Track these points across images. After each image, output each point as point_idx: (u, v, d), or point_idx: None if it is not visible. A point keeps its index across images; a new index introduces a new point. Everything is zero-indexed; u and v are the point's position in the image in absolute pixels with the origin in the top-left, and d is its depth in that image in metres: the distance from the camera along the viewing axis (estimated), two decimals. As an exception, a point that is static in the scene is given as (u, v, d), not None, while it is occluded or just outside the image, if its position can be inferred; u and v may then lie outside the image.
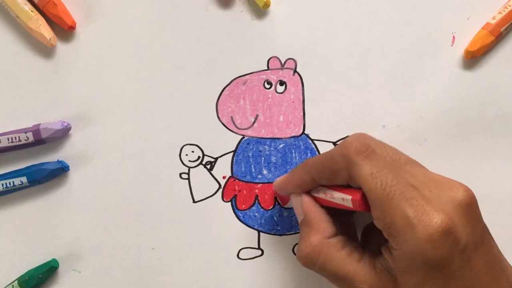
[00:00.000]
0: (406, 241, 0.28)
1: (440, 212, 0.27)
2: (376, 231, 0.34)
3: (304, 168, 0.33)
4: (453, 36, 0.38)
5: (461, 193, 0.29)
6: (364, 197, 0.30)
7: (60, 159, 0.38)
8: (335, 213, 0.34)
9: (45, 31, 0.37)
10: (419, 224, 0.27)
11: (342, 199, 0.31)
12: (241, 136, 0.39)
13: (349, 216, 0.36)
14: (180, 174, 0.38)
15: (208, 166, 0.39)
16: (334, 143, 0.38)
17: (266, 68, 0.38)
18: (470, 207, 0.29)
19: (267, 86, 0.38)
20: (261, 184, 0.38)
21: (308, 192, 0.34)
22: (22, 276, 0.38)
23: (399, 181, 0.29)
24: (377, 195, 0.29)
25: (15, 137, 0.37)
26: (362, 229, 0.36)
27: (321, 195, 0.33)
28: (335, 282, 0.32)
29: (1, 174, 0.38)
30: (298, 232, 0.38)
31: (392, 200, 0.28)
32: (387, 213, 0.28)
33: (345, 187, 0.31)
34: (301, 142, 0.38)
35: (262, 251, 0.39)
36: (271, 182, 0.38)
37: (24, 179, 0.37)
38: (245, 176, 0.38)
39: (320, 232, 0.32)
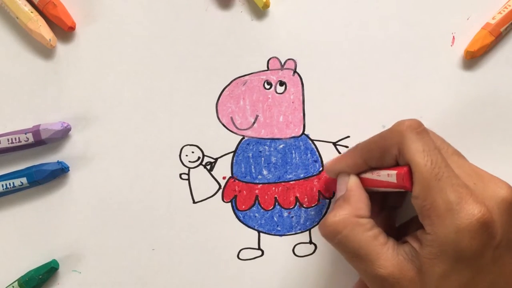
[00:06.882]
0: (443, 225, 0.28)
1: (481, 205, 0.27)
2: (405, 226, 0.34)
3: (355, 150, 0.33)
4: (453, 36, 0.38)
5: (504, 190, 0.29)
6: (409, 172, 0.29)
7: (60, 160, 0.38)
8: (381, 206, 0.34)
9: (45, 32, 0.37)
10: (460, 211, 0.27)
11: (388, 175, 0.31)
12: (241, 137, 0.39)
13: (392, 211, 0.36)
14: (180, 174, 0.38)
15: (208, 167, 0.39)
16: (334, 143, 0.38)
17: (266, 69, 0.38)
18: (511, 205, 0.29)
19: (267, 87, 0.38)
20: (261, 185, 0.38)
21: (357, 175, 0.34)
22: (22, 277, 0.38)
23: (447, 165, 0.29)
24: (425, 172, 0.28)
25: (15, 138, 0.37)
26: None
27: (367, 175, 0.33)
28: (353, 260, 0.31)
29: (1, 175, 0.38)
30: (298, 233, 0.38)
31: (439, 182, 0.28)
32: (430, 193, 0.28)
33: (392, 167, 0.31)
34: (301, 142, 0.38)
35: (262, 251, 0.39)
36: (271, 183, 0.38)
37: (24, 180, 0.37)
38: (245, 177, 0.38)
39: (353, 209, 0.32)
